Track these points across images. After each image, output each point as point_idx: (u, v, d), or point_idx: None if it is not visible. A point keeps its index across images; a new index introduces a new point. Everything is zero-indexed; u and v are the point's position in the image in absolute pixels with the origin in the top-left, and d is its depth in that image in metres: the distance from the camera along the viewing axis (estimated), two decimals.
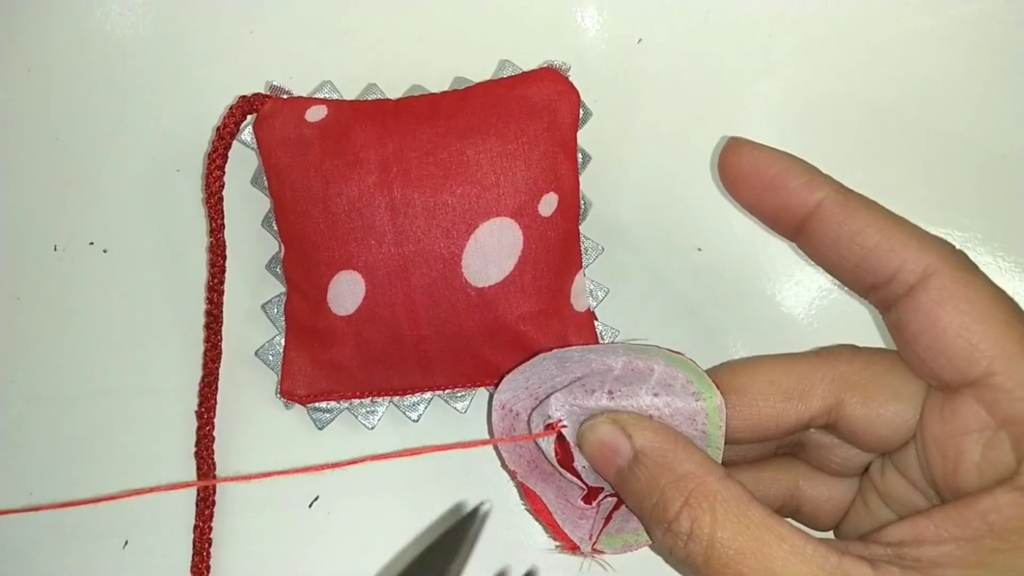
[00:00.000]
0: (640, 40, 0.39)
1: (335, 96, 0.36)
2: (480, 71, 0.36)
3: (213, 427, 0.37)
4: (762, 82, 0.39)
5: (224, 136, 0.35)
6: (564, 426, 0.30)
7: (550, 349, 0.32)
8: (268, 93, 0.36)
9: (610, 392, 0.29)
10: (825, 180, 0.28)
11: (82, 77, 0.39)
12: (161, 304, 0.38)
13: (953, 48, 0.39)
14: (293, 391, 0.36)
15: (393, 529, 0.36)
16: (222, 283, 0.37)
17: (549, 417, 0.30)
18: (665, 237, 0.38)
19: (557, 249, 0.34)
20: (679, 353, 0.30)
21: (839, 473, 0.31)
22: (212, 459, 0.36)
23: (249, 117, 0.35)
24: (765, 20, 0.39)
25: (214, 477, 0.36)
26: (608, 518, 0.31)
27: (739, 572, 0.24)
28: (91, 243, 0.39)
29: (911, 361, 0.27)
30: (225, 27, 0.39)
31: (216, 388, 0.37)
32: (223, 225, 0.36)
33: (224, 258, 0.37)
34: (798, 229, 0.29)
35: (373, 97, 0.36)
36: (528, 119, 0.34)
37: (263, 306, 0.37)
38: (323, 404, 0.36)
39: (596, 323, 0.37)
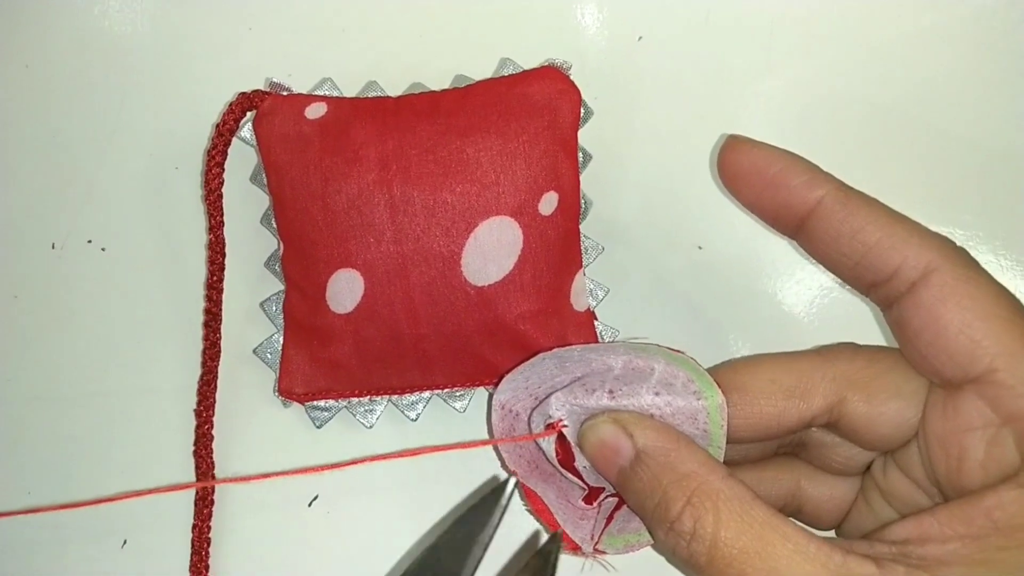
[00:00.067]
0: (640, 38, 0.39)
1: (335, 93, 0.36)
2: (481, 69, 0.36)
3: (212, 426, 0.36)
4: (763, 81, 0.39)
5: (223, 133, 0.35)
6: (565, 426, 0.30)
7: (550, 349, 0.32)
8: (268, 90, 0.36)
9: (611, 391, 0.29)
10: (825, 178, 0.28)
11: (80, 74, 0.39)
12: (160, 302, 0.38)
13: (954, 47, 0.39)
14: (291, 389, 0.36)
15: (393, 528, 0.36)
16: (221, 281, 0.36)
17: (549, 417, 0.30)
18: (666, 236, 0.38)
19: (557, 248, 0.34)
20: (680, 352, 0.30)
21: (841, 472, 0.31)
22: (211, 458, 0.36)
23: (249, 114, 0.35)
24: (766, 19, 0.39)
25: (213, 476, 0.36)
26: (609, 518, 0.31)
27: (743, 571, 0.24)
28: (89, 241, 0.39)
29: (913, 358, 0.27)
30: (224, 24, 0.39)
31: (215, 387, 0.37)
32: (222, 223, 0.36)
33: (223, 256, 0.36)
34: (799, 227, 0.29)
35: (373, 95, 0.36)
36: (529, 117, 0.34)
37: (262, 304, 0.37)
38: (321, 402, 0.36)
39: (596, 323, 0.37)
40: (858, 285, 0.28)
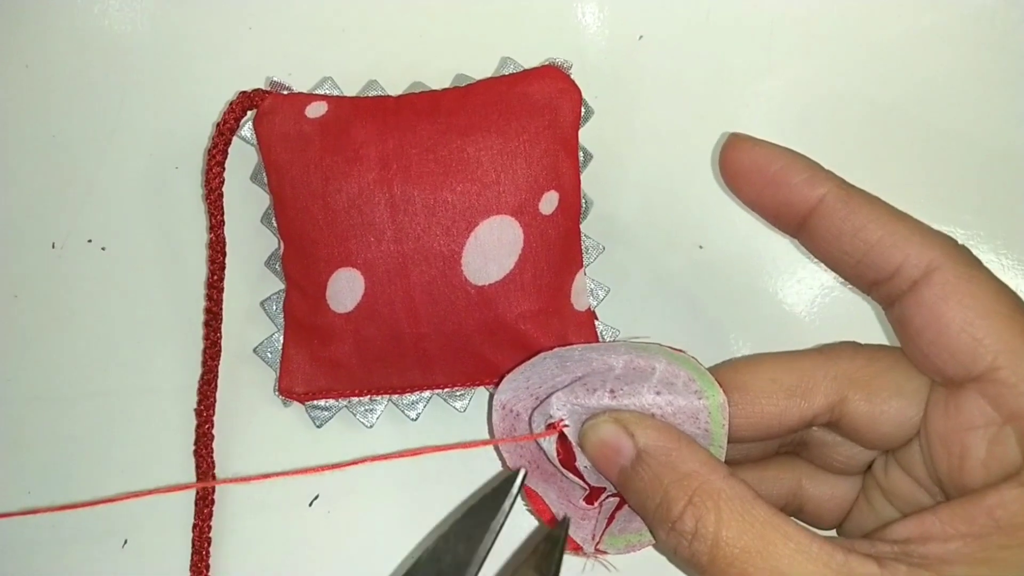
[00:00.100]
0: (641, 37, 0.39)
1: (335, 92, 0.36)
2: (481, 68, 0.36)
3: (212, 425, 0.36)
4: (763, 80, 0.39)
5: (224, 132, 0.35)
6: (566, 425, 0.30)
7: (550, 348, 0.32)
8: (268, 89, 0.36)
9: (612, 391, 0.29)
10: (827, 176, 0.28)
11: (80, 74, 0.39)
12: (160, 302, 0.38)
13: (954, 47, 0.39)
14: (291, 389, 0.36)
15: (393, 528, 0.36)
16: (222, 280, 0.36)
17: (550, 417, 0.30)
18: (666, 235, 0.38)
19: (557, 248, 0.34)
20: (681, 351, 0.30)
21: (842, 471, 0.31)
22: (211, 457, 0.36)
23: (249, 113, 0.35)
24: (766, 18, 0.39)
25: (213, 476, 0.36)
26: (611, 518, 0.31)
27: (744, 571, 0.24)
28: (89, 241, 0.39)
29: (914, 357, 0.27)
30: (224, 23, 0.39)
31: (215, 386, 0.37)
32: (223, 222, 0.36)
33: (224, 255, 0.36)
34: (800, 225, 0.28)
35: (374, 94, 0.36)
36: (529, 116, 0.34)
37: (262, 303, 0.37)
38: (321, 402, 0.36)
39: (596, 322, 0.37)
40: (859, 283, 0.28)
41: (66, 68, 0.39)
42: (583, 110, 0.35)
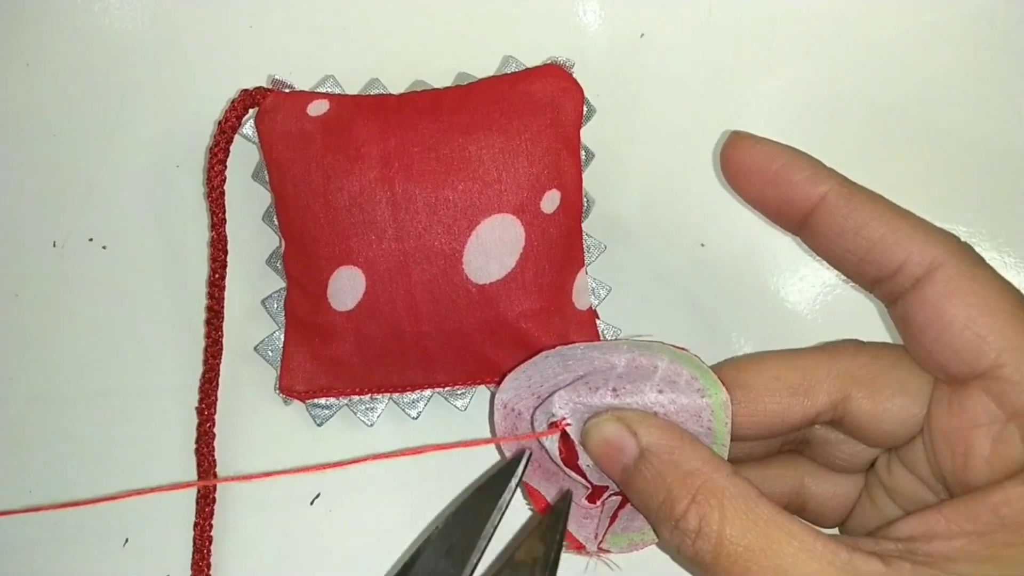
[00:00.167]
0: (643, 35, 0.39)
1: (337, 91, 0.36)
2: (483, 67, 0.36)
3: (214, 424, 0.36)
4: (764, 78, 0.39)
5: (226, 130, 0.35)
6: (568, 424, 0.30)
7: (552, 347, 0.32)
8: (270, 87, 0.36)
9: (614, 389, 0.29)
10: (829, 173, 0.28)
11: (81, 72, 0.39)
12: (161, 300, 0.38)
13: (955, 46, 0.39)
14: (292, 387, 0.36)
15: (394, 526, 0.36)
16: (223, 278, 0.36)
17: (552, 415, 0.30)
18: (668, 234, 0.38)
19: (559, 246, 0.34)
20: (683, 349, 0.30)
21: (845, 469, 0.31)
22: (212, 456, 0.36)
23: (251, 111, 0.35)
24: (767, 17, 0.39)
25: (214, 474, 0.36)
26: (613, 517, 0.31)
27: (748, 569, 0.24)
28: (90, 239, 0.39)
29: (918, 355, 0.27)
30: (225, 21, 0.39)
31: (217, 384, 0.36)
32: (224, 220, 0.36)
33: (225, 253, 0.36)
34: (802, 223, 0.28)
35: (375, 92, 0.36)
36: (531, 115, 0.34)
37: (263, 301, 0.37)
38: (322, 400, 0.36)
39: (598, 321, 0.37)
40: (862, 281, 0.28)
41: (67, 67, 0.39)
42: (585, 109, 0.35)
